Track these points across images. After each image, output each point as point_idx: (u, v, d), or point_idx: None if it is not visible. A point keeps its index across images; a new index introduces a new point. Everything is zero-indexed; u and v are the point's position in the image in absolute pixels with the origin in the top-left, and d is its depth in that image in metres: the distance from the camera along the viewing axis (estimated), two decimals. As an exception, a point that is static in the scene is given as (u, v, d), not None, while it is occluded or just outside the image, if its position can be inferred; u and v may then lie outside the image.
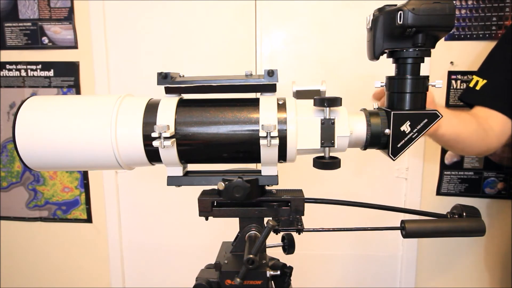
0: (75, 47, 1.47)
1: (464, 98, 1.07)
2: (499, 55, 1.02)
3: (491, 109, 0.94)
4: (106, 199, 1.57)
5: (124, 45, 1.46)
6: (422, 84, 0.56)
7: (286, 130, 0.55)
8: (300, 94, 0.61)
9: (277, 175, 0.60)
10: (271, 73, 0.56)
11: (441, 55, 1.33)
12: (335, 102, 0.54)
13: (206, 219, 0.61)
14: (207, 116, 0.56)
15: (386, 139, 0.57)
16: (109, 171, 1.55)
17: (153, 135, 0.52)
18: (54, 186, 1.58)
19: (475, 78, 1.02)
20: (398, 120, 0.56)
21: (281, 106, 0.56)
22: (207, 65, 1.45)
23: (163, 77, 0.57)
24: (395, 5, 0.52)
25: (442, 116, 0.56)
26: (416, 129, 0.56)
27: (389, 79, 0.58)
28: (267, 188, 0.63)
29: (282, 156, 0.57)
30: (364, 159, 1.44)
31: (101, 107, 0.56)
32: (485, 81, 0.99)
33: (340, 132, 0.56)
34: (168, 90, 0.59)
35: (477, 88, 0.99)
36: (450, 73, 1.34)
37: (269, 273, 0.58)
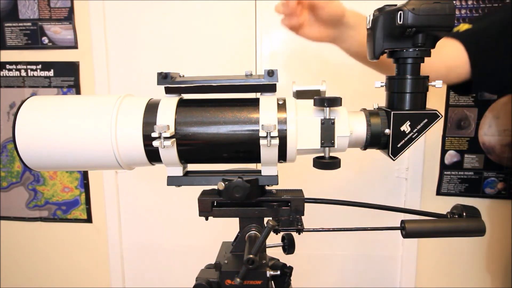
0: (75, 47, 1.47)
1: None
2: (494, 11, 0.98)
3: (455, 40, 0.86)
4: (106, 199, 1.57)
5: (124, 45, 1.46)
6: (422, 84, 0.56)
7: (286, 130, 0.55)
8: (300, 94, 0.61)
9: (277, 175, 0.60)
10: (271, 73, 0.56)
11: (441, 55, 1.33)
12: (335, 102, 0.54)
13: (206, 219, 0.61)
14: (207, 116, 0.56)
15: (386, 139, 0.57)
16: (109, 171, 1.55)
17: (153, 135, 0.52)
18: (54, 186, 1.58)
19: (462, 24, 0.92)
20: (398, 120, 0.56)
21: (281, 106, 0.56)
22: (207, 65, 1.45)
23: (163, 77, 0.57)
24: (395, 5, 0.52)
25: (442, 116, 0.56)
26: (416, 129, 0.56)
27: (389, 79, 0.58)
28: (267, 188, 0.63)
29: (282, 156, 0.57)
30: (364, 159, 1.44)
31: (101, 107, 0.56)
32: (470, 25, 0.91)
33: (340, 132, 0.56)
34: (168, 90, 0.59)
35: (460, 30, 0.90)
36: (450, 73, 1.34)
37: (269, 273, 0.58)
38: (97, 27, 1.44)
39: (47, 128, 0.55)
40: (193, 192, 0.62)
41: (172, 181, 0.60)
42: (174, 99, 0.58)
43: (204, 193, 0.63)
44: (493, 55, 0.85)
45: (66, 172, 1.57)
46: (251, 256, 0.52)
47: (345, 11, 0.76)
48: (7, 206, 1.62)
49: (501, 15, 0.92)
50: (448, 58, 0.85)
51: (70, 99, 0.59)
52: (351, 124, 0.57)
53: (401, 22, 0.51)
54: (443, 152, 1.40)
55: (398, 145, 0.57)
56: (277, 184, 0.61)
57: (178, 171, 0.60)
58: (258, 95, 0.60)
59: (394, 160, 0.57)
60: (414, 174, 1.43)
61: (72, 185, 1.58)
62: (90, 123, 0.55)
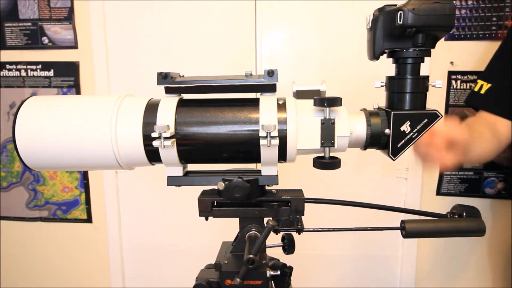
0: (75, 47, 1.47)
1: (470, 102, 1.07)
2: (503, 58, 1.02)
3: (501, 119, 0.95)
4: (106, 199, 1.57)
5: (124, 45, 1.46)
6: (422, 84, 0.56)
7: (286, 130, 0.55)
8: (300, 94, 0.61)
9: (277, 175, 0.60)
10: (271, 73, 0.56)
11: (441, 55, 1.33)
12: (335, 102, 0.54)
13: (206, 219, 0.61)
14: (207, 116, 0.56)
15: (386, 139, 0.57)
16: (109, 171, 1.55)
17: (153, 135, 0.53)
18: (54, 186, 1.58)
19: (480, 82, 1.02)
20: (398, 120, 0.56)
21: (281, 106, 0.56)
22: (207, 65, 1.45)
23: (163, 77, 0.57)
24: (395, 5, 0.52)
25: (442, 116, 0.56)
26: (416, 129, 0.56)
27: (389, 79, 0.58)
28: (267, 188, 0.63)
29: (282, 156, 0.57)
30: (364, 159, 1.44)
31: (101, 107, 0.56)
32: (489, 85, 0.99)
33: (340, 132, 0.56)
34: (168, 90, 0.59)
35: (482, 92, 1.00)
36: (450, 73, 1.34)
37: (269, 273, 0.58)
38: (97, 27, 1.44)
39: (47, 128, 0.55)
40: (193, 192, 0.62)
41: (172, 181, 0.60)
42: (174, 99, 0.58)
43: (204, 193, 0.63)
44: None
45: (66, 172, 1.57)
46: (251, 256, 0.52)
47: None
48: (7, 206, 1.62)
49: (508, 59, 0.99)
50: (507, 139, 0.96)
51: (70, 99, 0.59)
52: (351, 124, 0.57)
53: (401, 22, 0.51)
54: (443, 152, 1.40)
55: (398, 145, 0.57)
56: (277, 184, 0.61)
57: (178, 171, 0.60)
58: (258, 95, 0.60)
59: (394, 160, 0.57)
60: (414, 174, 1.43)
61: (72, 185, 1.58)
62: (90, 123, 0.55)
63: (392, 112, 0.55)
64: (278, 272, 0.61)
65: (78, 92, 1.50)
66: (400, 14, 0.50)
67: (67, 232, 1.62)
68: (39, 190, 1.59)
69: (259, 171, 0.61)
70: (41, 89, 1.51)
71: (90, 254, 1.64)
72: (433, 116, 0.56)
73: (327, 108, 0.55)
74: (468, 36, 1.31)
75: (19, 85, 1.52)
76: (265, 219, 0.60)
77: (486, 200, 1.40)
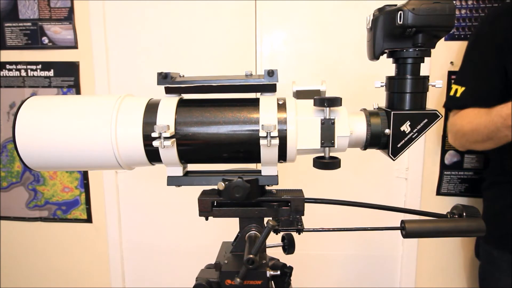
0: (75, 47, 1.47)
1: (449, 106, 1.18)
2: (470, 62, 1.12)
3: (480, 109, 1.02)
4: (106, 199, 1.57)
5: (124, 45, 1.46)
6: (422, 84, 0.56)
7: (286, 130, 0.55)
8: (300, 94, 0.61)
9: (277, 175, 0.60)
10: (271, 73, 0.56)
11: (441, 55, 1.33)
12: (335, 102, 0.54)
13: (206, 219, 0.61)
14: (207, 116, 0.56)
15: (386, 139, 0.57)
16: (109, 171, 1.55)
17: (153, 135, 0.53)
18: (54, 186, 1.58)
19: (454, 86, 1.13)
20: (398, 120, 0.56)
21: (281, 106, 0.56)
22: (207, 65, 1.45)
23: (163, 77, 0.57)
24: (395, 5, 0.52)
25: (442, 116, 0.56)
26: (416, 129, 0.56)
27: (389, 79, 0.58)
28: (267, 188, 0.63)
29: (282, 156, 0.57)
30: (364, 159, 1.44)
31: (101, 107, 0.56)
32: (463, 88, 1.09)
33: (340, 132, 0.56)
34: (168, 90, 0.59)
35: (458, 95, 1.10)
36: (450, 73, 1.34)
37: (269, 273, 0.58)
38: (97, 27, 1.44)
39: (47, 128, 0.55)
40: (193, 192, 0.62)
41: (172, 181, 0.60)
42: (174, 99, 0.58)
43: (204, 193, 0.63)
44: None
45: (66, 172, 1.57)
46: (251, 256, 0.52)
47: None
48: (7, 206, 1.62)
49: (475, 62, 1.10)
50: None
51: (70, 99, 0.59)
52: (351, 124, 0.57)
53: (401, 22, 0.51)
54: (443, 152, 1.40)
55: (398, 145, 0.57)
56: (277, 184, 0.61)
57: (178, 171, 0.60)
58: (258, 95, 0.60)
59: (394, 160, 0.57)
60: (414, 174, 1.43)
61: (72, 185, 1.58)
62: (90, 123, 0.55)
63: (392, 112, 0.55)
64: (278, 272, 0.61)
65: (78, 92, 1.50)
66: (400, 14, 0.50)
67: (67, 232, 1.62)
68: (39, 190, 1.59)
69: (259, 171, 0.61)
70: (41, 89, 1.51)
71: (90, 254, 1.64)
72: (433, 116, 0.56)
73: (327, 108, 0.55)
74: (468, 36, 1.31)
75: (19, 85, 1.52)
76: (265, 219, 0.60)
77: (486, 200, 1.40)
